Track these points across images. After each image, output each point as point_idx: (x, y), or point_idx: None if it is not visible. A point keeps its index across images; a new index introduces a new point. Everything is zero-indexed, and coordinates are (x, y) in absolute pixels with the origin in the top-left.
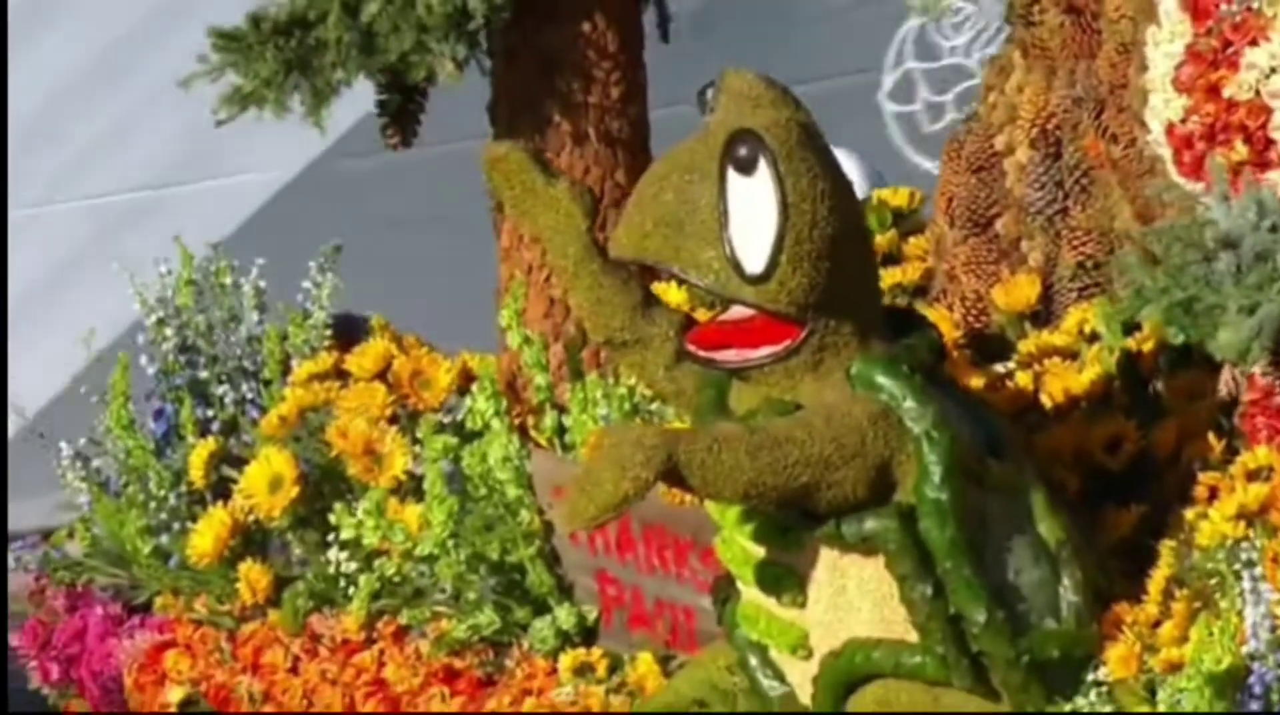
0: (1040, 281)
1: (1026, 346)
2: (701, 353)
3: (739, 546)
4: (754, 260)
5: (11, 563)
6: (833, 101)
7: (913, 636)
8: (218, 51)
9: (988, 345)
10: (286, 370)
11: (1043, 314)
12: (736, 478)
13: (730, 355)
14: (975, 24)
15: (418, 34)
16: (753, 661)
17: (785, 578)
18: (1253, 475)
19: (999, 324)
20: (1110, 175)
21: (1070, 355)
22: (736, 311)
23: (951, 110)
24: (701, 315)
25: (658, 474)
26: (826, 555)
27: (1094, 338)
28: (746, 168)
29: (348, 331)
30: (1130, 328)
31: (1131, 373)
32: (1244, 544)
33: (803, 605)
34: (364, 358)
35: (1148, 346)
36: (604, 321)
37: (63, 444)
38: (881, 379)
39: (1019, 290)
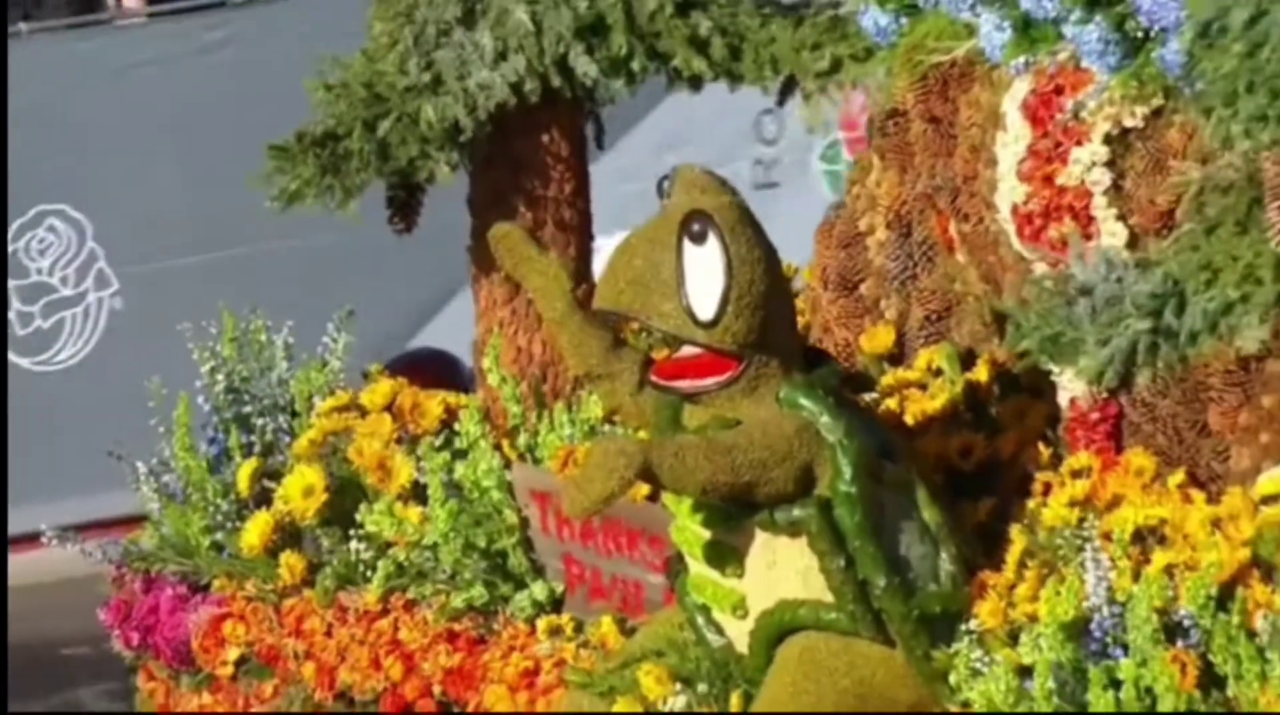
0: (895, 331)
1: (887, 381)
2: (662, 382)
3: (691, 530)
4: (705, 310)
5: (97, 556)
6: None
7: (829, 598)
8: (270, 159)
9: (856, 381)
10: (310, 405)
11: (898, 356)
12: (696, 476)
13: (685, 384)
14: (57, 249)
15: (421, 145)
16: (700, 620)
17: (727, 554)
18: (1077, 473)
19: (864, 364)
20: (958, 248)
21: (921, 387)
22: (688, 350)
23: (39, 318)
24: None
25: (637, 474)
26: (761, 536)
27: (939, 373)
28: (699, 239)
29: (439, 368)
30: (967, 365)
31: (971, 398)
32: (1084, 524)
33: (741, 576)
34: (374, 395)
35: (982, 378)
36: (583, 359)
37: (138, 464)
38: (803, 400)
39: (879, 338)
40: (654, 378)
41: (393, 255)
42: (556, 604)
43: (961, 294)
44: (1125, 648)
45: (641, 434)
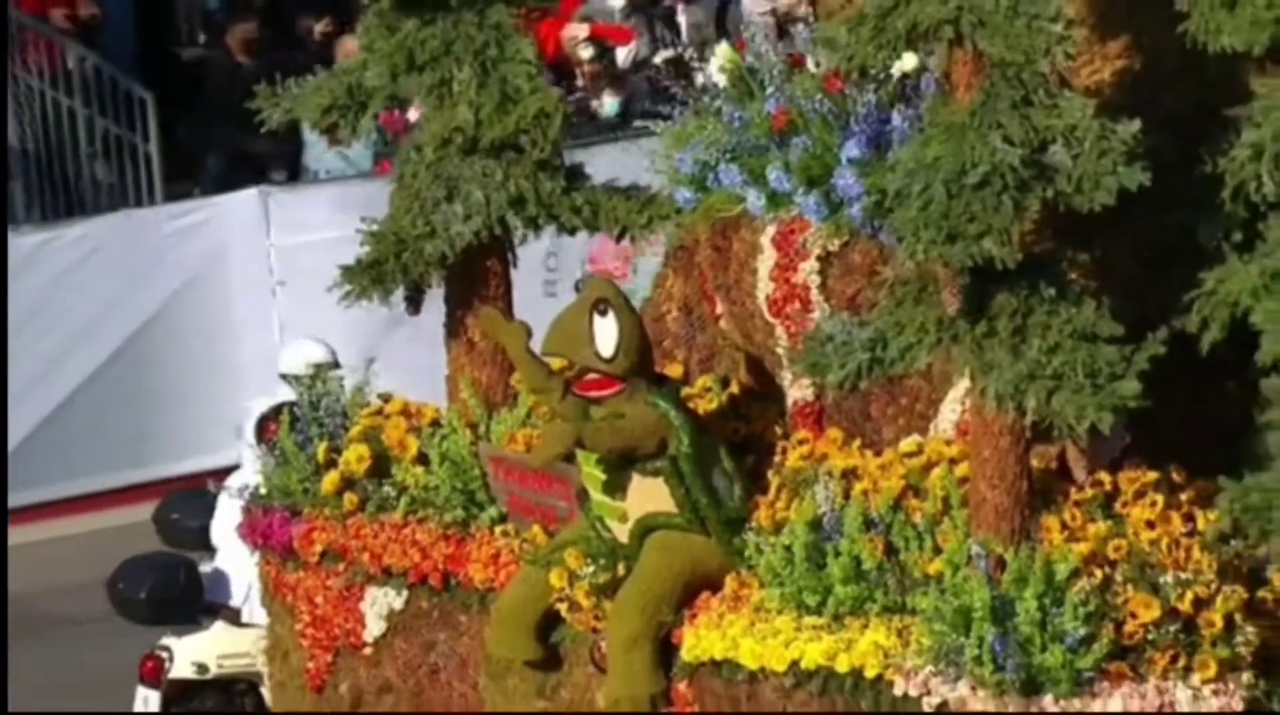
0: (684, 367)
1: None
2: (580, 393)
3: (594, 474)
4: (606, 352)
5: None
6: None
7: (675, 511)
8: (342, 275)
9: None
10: (356, 411)
11: (685, 381)
12: (603, 444)
13: (593, 394)
14: None
15: (425, 267)
16: (598, 525)
17: (616, 487)
18: (801, 441)
19: None
20: (725, 320)
21: (700, 397)
22: (593, 375)
23: None
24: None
25: (573, 441)
26: (637, 477)
27: (709, 390)
28: (603, 313)
29: None
30: (725, 386)
31: (732, 403)
32: (819, 467)
33: (624, 499)
34: (393, 407)
35: (736, 392)
36: (531, 380)
37: (262, 446)
38: (661, 403)
39: (674, 371)
40: (574, 391)
41: None
42: (504, 519)
43: (723, 347)
44: (843, 534)
45: (560, 422)
